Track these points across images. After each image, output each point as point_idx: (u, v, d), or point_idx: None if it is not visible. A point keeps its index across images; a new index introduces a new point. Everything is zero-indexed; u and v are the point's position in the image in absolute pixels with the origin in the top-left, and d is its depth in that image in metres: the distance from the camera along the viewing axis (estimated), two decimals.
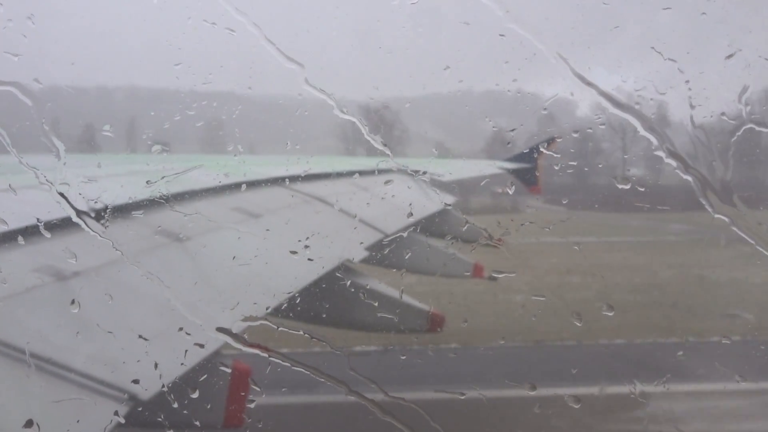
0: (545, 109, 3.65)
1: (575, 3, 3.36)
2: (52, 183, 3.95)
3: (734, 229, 3.14)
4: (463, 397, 4.11)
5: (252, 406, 3.65)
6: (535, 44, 3.12)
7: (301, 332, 3.76)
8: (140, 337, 3.26)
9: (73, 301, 3.31)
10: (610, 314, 3.65)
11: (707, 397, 9.21)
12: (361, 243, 4.97)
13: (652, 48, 3.14)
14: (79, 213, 3.62)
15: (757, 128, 3.18)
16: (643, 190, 3.83)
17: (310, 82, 3.49)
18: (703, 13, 3.23)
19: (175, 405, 3.24)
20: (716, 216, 3.15)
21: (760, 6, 3.24)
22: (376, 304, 4.92)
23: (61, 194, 3.63)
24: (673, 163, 3.15)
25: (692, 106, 3.16)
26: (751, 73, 3.09)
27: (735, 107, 3.15)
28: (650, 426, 2.97)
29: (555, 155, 4.16)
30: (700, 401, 9.00)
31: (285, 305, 3.92)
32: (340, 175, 6.62)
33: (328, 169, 6.44)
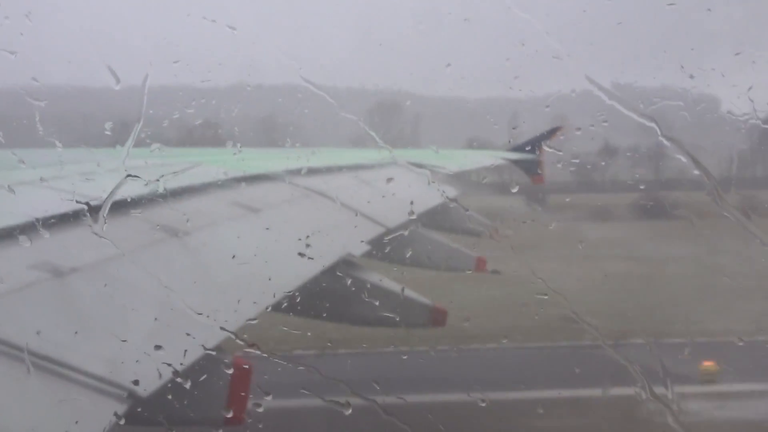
0: (548, 106, 3.62)
1: (577, 0, 3.33)
2: (50, 181, 3.92)
3: (740, 224, 3.12)
4: (467, 398, 4.09)
5: (252, 405, 3.63)
6: (537, 41, 3.09)
7: (302, 331, 3.74)
8: (139, 336, 3.23)
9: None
10: (612, 314, 3.63)
11: (714, 397, 9.18)
12: (362, 240, 4.94)
13: (656, 45, 3.10)
14: (77, 210, 3.60)
15: (763, 125, 3.14)
16: (646, 186, 3.80)
17: (310, 79, 3.46)
18: (709, 10, 3.18)
19: (176, 404, 3.22)
20: (722, 212, 3.12)
21: (767, 2, 3.20)
22: (377, 303, 4.89)
23: (60, 191, 3.61)
24: (678, 159, 3.12)
25: (697, 103, 3.13)
26: (757, 69, 3.05)
27: (740, 104, 3.11)
28: (655, 427, 2.95)
29: (558, 151, 4.14)
30: (707, 402, 8.97)
31: (285, 303, 3.89)
32: (341, 169, 6.59)
33: (329, 164, 6.41)
